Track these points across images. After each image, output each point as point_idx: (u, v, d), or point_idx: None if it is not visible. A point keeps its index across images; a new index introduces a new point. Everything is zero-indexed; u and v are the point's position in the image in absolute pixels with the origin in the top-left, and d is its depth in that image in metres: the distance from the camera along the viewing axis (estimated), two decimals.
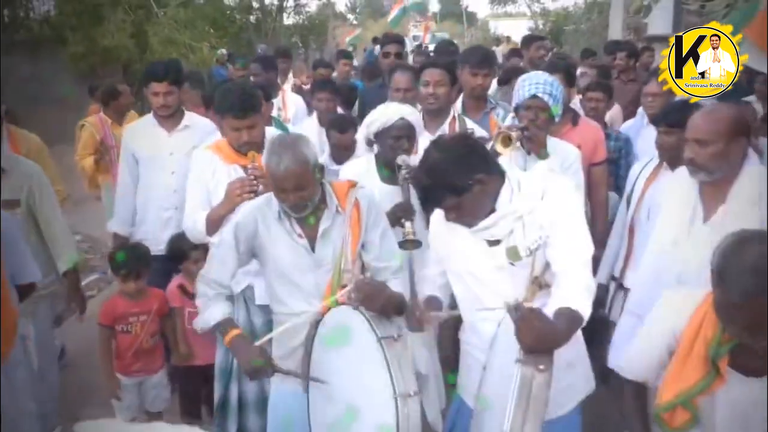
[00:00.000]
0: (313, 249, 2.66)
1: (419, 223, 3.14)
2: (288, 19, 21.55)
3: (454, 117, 3.75)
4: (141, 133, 4.19)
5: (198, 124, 4.19)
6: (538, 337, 2.01)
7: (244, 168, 3.16)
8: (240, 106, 3.17)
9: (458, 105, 4.30)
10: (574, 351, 2.40)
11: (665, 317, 2.16)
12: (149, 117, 4.24)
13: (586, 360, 2.55)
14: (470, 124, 3.79)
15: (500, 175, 2.35)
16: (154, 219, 4.10)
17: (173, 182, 4.00)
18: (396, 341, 2.29)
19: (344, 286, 2.59)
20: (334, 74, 7.38)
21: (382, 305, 2.36)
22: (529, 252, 2.30)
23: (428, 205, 2.39)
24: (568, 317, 2.14)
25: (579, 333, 2.44)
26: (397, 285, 2.67)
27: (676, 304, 2.15)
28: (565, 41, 19.10)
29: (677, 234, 2.78)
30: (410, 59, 7.98)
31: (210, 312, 2.68)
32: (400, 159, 3.19)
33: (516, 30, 25.15)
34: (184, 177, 3.87)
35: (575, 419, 2.51)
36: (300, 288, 2.68)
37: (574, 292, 2.20)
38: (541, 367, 2.01)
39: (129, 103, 5.51)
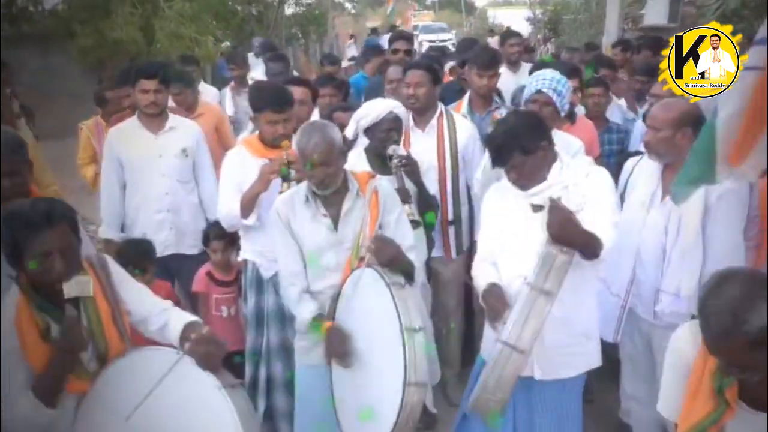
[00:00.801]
0: (335, 228, 2.92)
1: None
2: (288, 10, 21.59)
3: (441, 112, 3.98)
4: (126, 136, 4.12)
5: (183, 125, 4.23)
6: (562, 226, 2.41)
7: (272, 160, 3.38)
8: (278, 102, 3.46)
9: (465, 100, 4.53)
10: (591, 326, 2.84)
11: (678, 349, 2.11)
12: (133, 120, 4.18)
13: (597, 338, 2.91)
14: (458, 118, 4.03)
15: (556, 152, 2.79)
16: (146, 222, 4.09)
17: (165, 185, 4.07)
18: (403, 287, 2.65)
19: (362, 259, 2.85)
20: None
21: (392, 258, 2.71)
22: None
23: (498, 162, 2.77)
24: (592, 234, 2.51)
25: (596, 314, 2.88)
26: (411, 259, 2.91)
27: (687, 336, 2.07)
28: (563, 31, 19.19)
29: (639, 212, 3.13)
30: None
31: (300, 315, 2.95)
32: (391, 149, 3.43)
33: (514, 19, 25.16)
34: (175, 179, 4.05)
35: (581, 380, 2.91)
36: (323, 268, 2.94)
37: (599, 229, 2.55)
38: (564, 249, 2.42)
39: (117, 109, 5.16)
